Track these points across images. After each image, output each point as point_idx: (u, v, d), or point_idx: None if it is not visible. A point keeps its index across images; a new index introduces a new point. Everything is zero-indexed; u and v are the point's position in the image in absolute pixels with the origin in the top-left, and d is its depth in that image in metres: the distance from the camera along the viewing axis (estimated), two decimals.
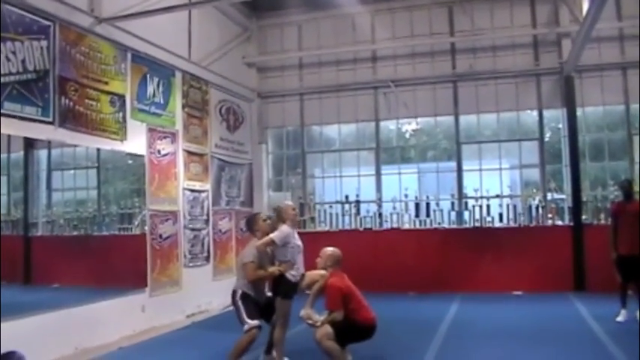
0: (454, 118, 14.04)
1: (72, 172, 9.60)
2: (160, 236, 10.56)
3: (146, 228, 10.22)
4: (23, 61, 7.65)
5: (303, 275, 7.07)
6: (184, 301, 11.13)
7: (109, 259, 9.68)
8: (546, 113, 13.61)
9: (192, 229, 11.68)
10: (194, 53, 12.17)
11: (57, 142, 8.61)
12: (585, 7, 10.00)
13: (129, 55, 9.96)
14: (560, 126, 13.48)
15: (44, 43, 8.03)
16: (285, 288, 6.90)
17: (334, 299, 6.61)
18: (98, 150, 9.47)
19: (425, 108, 14.16)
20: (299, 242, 7.09)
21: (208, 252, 12.20)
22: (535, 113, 13.64)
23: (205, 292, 11.87)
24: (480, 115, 13.97)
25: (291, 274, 6.91)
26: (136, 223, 10.30)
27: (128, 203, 10.45)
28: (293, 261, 6.93)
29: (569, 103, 12.93)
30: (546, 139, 13.70)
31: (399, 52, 14.30)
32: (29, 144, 8.53)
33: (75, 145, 9.05)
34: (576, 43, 11.39)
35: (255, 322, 6.89)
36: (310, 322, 6.70)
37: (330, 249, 7.07)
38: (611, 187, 12.80)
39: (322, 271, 6.95)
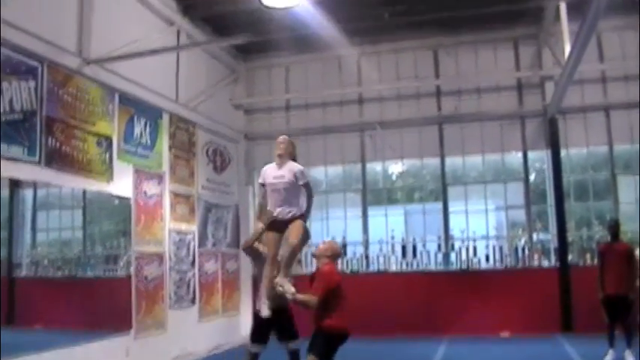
0: (440, 160, 14.11)
1: (57, 211, 9.53)
2: (146, 278, 10.45)
3: (131, 269, 10.13)
4: (10, 101, 7.67)
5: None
6: (170, 343, 10.96)
7: (94, 300, 9.54)
8: (531, 154, 13.73)
9: (178, 271, 11.58)
10: (182, 94, 12.21)
11: (43, 182, 8.57)
12: (567, 50, 10.15)
13: (116, 97, 9.98)
14: (545, 167, 13.58)
15: (32, 83, 8.05)
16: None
17: (321, 287, 6.31)
18: (84, 190, 9.42)
19: (411, 149, 14.24)
20: (274, 180, 6.47)
21: (194, 294, 12.08)
22: (520, 154, 13.75)
23: (191, 334, 11.71)
24: (466, 157, 14.07)
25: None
26: (122, 264, 10.21)
27: (113, 244, 10.36)
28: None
29: (554, 144, 13.04)
30: (531, 180, 13.79)
31: (385, 94, 14.41)
32: (15, 183, 8.47)
33: (61, 185, 9.00)
34: (559, 85, 11.55)
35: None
36: (281, 289, 6.35)
37: (335, 242, 6.92)
38: (596, 227, 12.89)
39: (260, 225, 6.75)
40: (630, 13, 12.03)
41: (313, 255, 7.01)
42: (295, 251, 6.36)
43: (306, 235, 6.56)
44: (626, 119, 12.85)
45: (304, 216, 6.42)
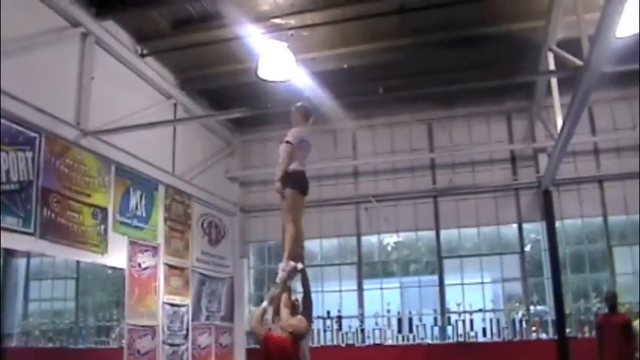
0: (435, 233, 14.11)
1: (50, 281, 9.45)
2: (138, 351, 10.27)
3: (124, 342, 9.97)
4: (7, 172, 7.72)
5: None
6: None
7: None
8: (526, 226, 13.75)
9: (171, 345, 11.39)
10: (178, 167, 12.31)
11: (37, 253, 8.53)
12: (559, 123, 10.29)
13: (112, 168, 10.06)
14: (540, 238, 13.58)
15: (29, 154, 8.14)
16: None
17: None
18: (78, 260, 9.37)
19: (406, 222, 14.25)
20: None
21: None
22: (515, 226, 13.76)
23: None
24: (461, 229, 14.06)
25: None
26: (114, 336, 10.08)
27: (106, 315, 10.27)
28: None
29: (548, 216, 13.07)
30: (527, 252, 13.76)
31: (380, 167, 14.53)
32: (8, 252, 8.44)
33: (55, 256, 8.96)
34: (552, 157, 11.65)
35: None
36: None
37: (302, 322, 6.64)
38: (593, 298, 12.79)
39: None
40: (621, 86, 12.30)
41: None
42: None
43: None
44: (620, 190, 12.94)
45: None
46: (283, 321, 6.42)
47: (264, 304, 6.56)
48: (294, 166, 6.80)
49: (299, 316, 6.77)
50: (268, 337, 6.35)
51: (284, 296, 6.73)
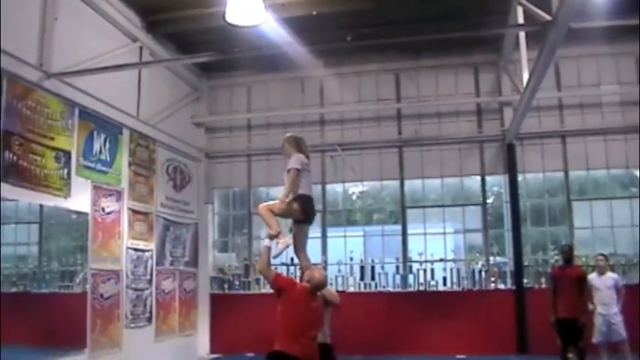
0: (399, 183, 14.24)
1: (13, 226, 9.35)
2: (102, 296, 10.29)
3: (87, 287, 9.97)
4: None
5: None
6: None
7: (48, 317, 9.37)
8: (489, 179, 13.96)
9: (135, 289, 11.43)
10: (143, 111, 12.14)
11: None
12: (525, 77, 10.35)
13: (76, 111, 9.87)
14: (503, 191, 13.79)
15: None
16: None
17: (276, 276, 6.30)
18: (41, 205, 9.28)
19: (371, 172, 14.34)
20: None
21: (151, 313, 11.93)
22: (478, 179, 13.95)
23: (147, 353, 11.55)
24: (425, 180, 14.20)
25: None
26: (78, 281, 10.05)
27: (70, 260, 10.19)
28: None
29: (511, 169, 13.27)
30: (489, 204, 13.98)
31: (346, 116, 14.53)
32: None
33: (17, 200, 8.85)
34: (517, 112, 11.76)
35: None
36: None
37: (320, 272, 6.70)
38: (551, 251, 13.10)
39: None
40: (587, 42, 12.40)
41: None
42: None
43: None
44: (582, 146, 13.17)
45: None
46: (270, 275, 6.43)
47: (266, 242, 6.53)
48: (301, 191, 6.72)
49: (318, 267, 6.90)
50: (280, 278, 6.37)
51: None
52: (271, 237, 6.43)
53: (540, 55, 8.91)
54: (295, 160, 6.70)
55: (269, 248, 6.41)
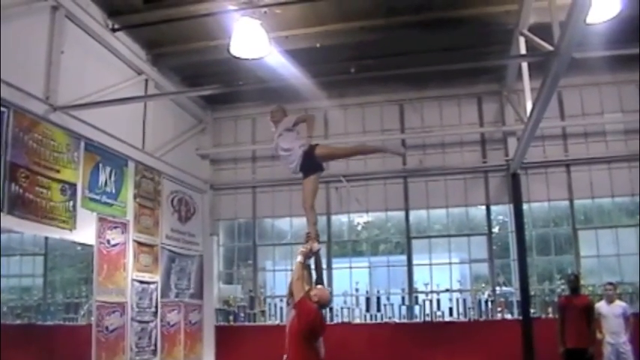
0: (404, 213, 14.21)
1: (18, 257, 9.36)
2: (107, 328, 10.23)
3: (92, 319, 9.93)
4: None
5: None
6: None
7: (53, 349, 9.34)
8: (494, 208, 13.93)
9: (140, 322, 11.38)
10: (148, 143, 12.21)
11: (5, 229, 8.44)
12: (529, 107, 10.38)
13: (82, 144, 9.93)
14: (508, 220, 13.76)
15: None
16: None
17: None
18: (46, 237, 9.29)
19: (376, 202, 14.32)
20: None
21: (156, 345, 11.86)
22: (483, 208, 13.93)
23: None
24: (430, 210, 14.18)
25: None
26: (82, 312, 10.03)
27: (75, 292, 10.20)
28: None
29: (516, 198, 13.20)
30: (494, 234, 13.94)
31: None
32: None
33: (23, 232, 8.87)
34: (521, 141, 11.76)
35: None
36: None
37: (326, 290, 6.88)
38: (557, 280, 13.02)
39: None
40: (590, 72, 12.48)
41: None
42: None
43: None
44: (587, 174, 13.17)
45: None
46: (298, 293, 6.53)
47: (299, 258, 6.70)
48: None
49: (320, 286, 7.00)
50: (304, 302, 6.48)
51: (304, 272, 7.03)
52: (308, 238, 6.79)
53: (543, 85, 8.94)
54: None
55: (302, 264, 6.59)
